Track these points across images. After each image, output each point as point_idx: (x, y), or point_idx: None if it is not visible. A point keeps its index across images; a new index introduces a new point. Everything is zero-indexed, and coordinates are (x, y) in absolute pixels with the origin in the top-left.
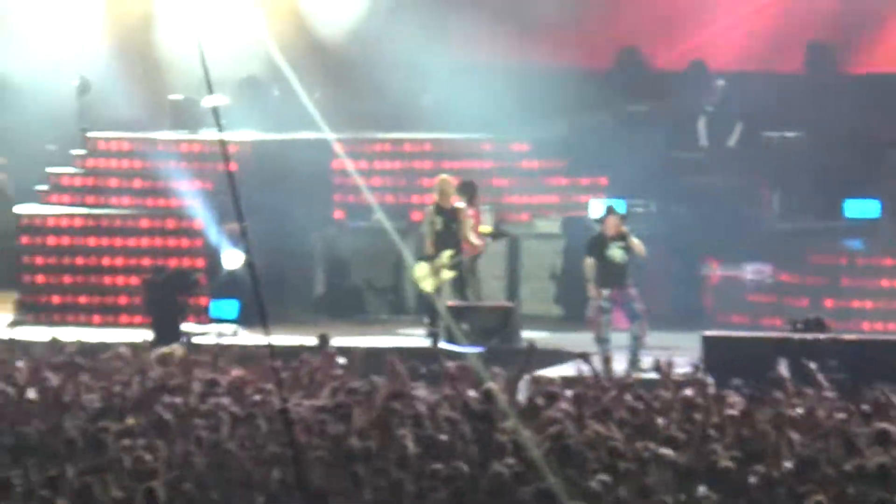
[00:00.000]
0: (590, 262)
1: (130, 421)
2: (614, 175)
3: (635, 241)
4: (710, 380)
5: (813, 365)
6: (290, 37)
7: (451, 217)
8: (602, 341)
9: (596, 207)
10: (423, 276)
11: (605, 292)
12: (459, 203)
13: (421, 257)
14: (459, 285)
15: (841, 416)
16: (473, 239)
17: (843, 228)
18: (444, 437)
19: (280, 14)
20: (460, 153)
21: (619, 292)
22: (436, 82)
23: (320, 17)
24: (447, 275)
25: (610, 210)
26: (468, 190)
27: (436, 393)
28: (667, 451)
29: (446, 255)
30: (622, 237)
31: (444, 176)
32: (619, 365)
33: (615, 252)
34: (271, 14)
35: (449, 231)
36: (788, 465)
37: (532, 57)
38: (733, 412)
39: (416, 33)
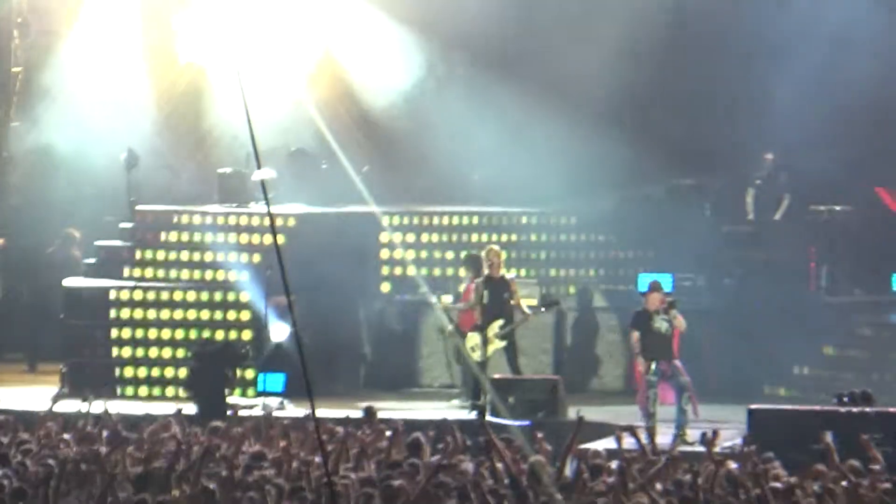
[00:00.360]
0: (636, 335)
1: (175, 493)
2: (661, 248)
3: (677, 316)
4: (762, 453)
5: (865, 435)
6: (338, 109)
7: (500, 287)
8: (649, 415)
9: (643, 281)
10: (472, 346)
11: (653, 366)
12: (509, 274)
13: (472, 328)
14: (511, 356)
15: (886, 486)
16: (523, 307)
17: (890, 302)
18: None
19: (328, 86)
20: (508, 226)
21: (667, 365)
22: (484, 156)
23: (368, 88)
24: (498, 345)
25: (653, 285)
26: (474, 263)
27: (481, 466)
28: None
29: (496, 325)
30: (666, 311)
31: (492, 247)
32: (666, 438)
33: (660, 325)
34: (320, 86)
35: (498, 302)
36: None
37: (579, 130)
38: (777, 485)
39: (464, 106)
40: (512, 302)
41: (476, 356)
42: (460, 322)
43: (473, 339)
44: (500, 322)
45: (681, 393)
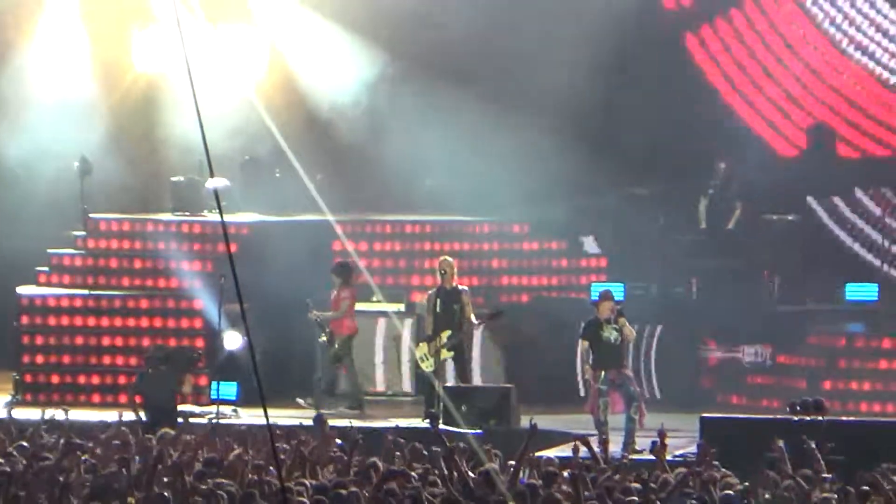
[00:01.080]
0: (584, 345)
1: (130, 500)
2: (614, 257)
3: (626, 325)
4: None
5: (812, 444)
6: (290, 116)
7: (451, 298)
8: (600, 424)
9: (596, 290)
10: (422, 356)
11: (602, 375)
12: (461, 286)
13: (421, 338)
14: (460, 366)
15: (833, 496)
16: (473, 319)
17: (843, 312)
18: None
19: (280, 93)
20: (460, 235)
21: (617, 374)
22: (437, 163)
23: (320, 95)
24: (446, 355)
25: (603, 294)
26: (343, 272)
27: (434, 474)
28: None
29: (445, 335)
30: (615, 319)
31: (445, 257)
32: (615, 447)
33: (609, 334)
34: (271, 93)
35: (449, 312)
36: None
37: (533, 138)
38: (729, 493)
39: (417, 114)
40: (463, 313)
41: (426, 366)
42: (336, 329)
43: (423, 348)
44: (448, 333)
45: (629, 402)
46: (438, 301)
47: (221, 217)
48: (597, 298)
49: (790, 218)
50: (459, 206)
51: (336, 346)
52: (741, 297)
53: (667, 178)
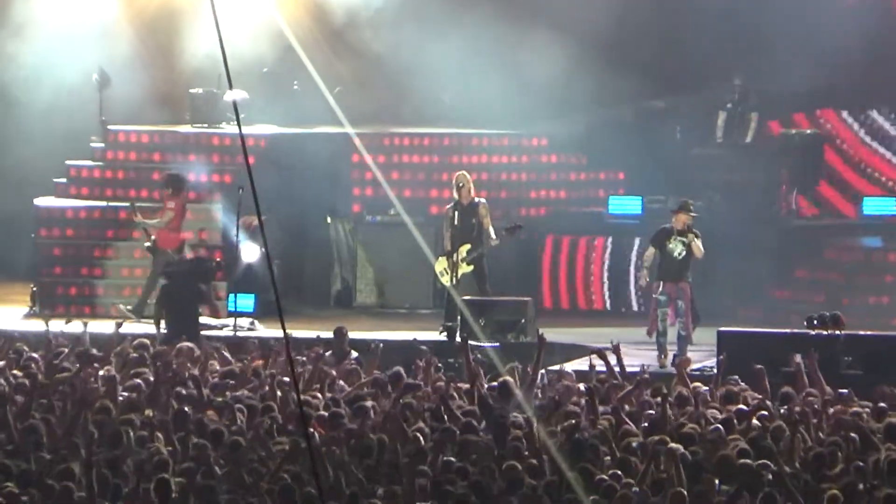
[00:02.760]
0: (649, 252)
1: (147, 412)
2: (632, 171)
3: (695, 241)
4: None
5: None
6: (310, 29)
7: (469, 212)
8: (658, 335)
9: (615, 203)
10: (441, 270)
11: (661, 286)
12: (479, 198)
13: (440, 252)
14: (479, 280)
15: (855, 410)
16: (491, 233)
17: (861, 226)
18: (459, 432)
19: (300, 4)
20: (478, 148)
21: (674, 287)
22: (456, 79)
23: (341, 6)
24: (465, 269)
25: (682, 204)
26: (174, 183)
27: (453, 387)
28: (678, 447)
29: (464, 249)
30: (684, 233)
31: (462, 172)
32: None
33: (674, 246)
34: (291, 5)
35: (467, 226)
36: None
37: (550, 52)
38: (743, 407)
39: (437, 27)
40: (481, 227)
41: (445, 280)
42: (160, 240)
43: (442, 263)
44: (468, 247)
45: (678, 318)
46: (456, 215)
47: (240, 129)
48: (675, 208)
49: (808, 132)
50: (478, 119)
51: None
52: (758, 211)
53: (684, 91)
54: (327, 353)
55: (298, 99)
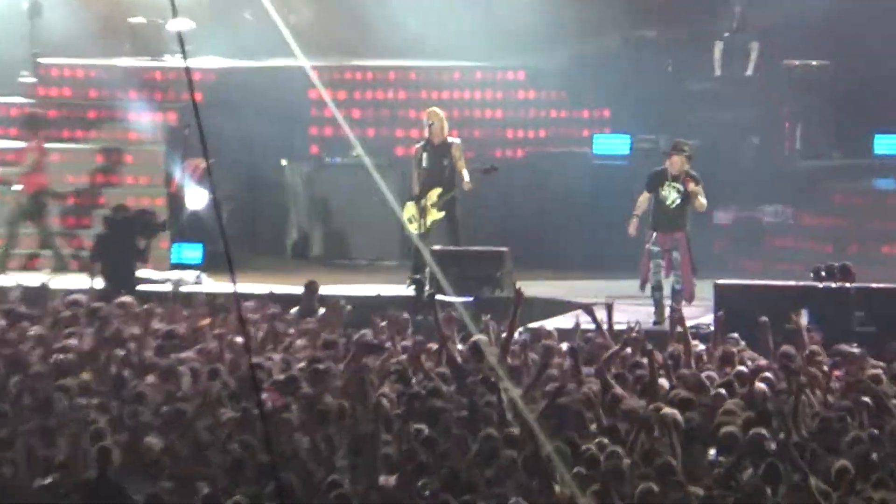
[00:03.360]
0: (642, 197)
1: (85, 375)
2: (619, 108)
3: (696, 191)
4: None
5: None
6: None
7: (440, 153)
8: (653, 289)
9: (600, 143)
10: (410, 217)
11: (654, 236)
12: (452, 138)
13: (408, 197)
14: (451, 228)
15: (870, 373)
16: (465, 176)
17: (872, 167)
18: (427, 396)
19: None
20: (449, 83)
21: (667, 238)
22: (423, 5)
23: None
24: (436, 216)
25: (675, 144)
26: (33, 124)
27: (422, 347)
28: (672, 412)
29: (434, 193)
30: (682, 179)
31: (433, 108)
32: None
33: (668, 193)
34: None
35: (438, 168)
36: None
37: None
38: (743, 369)
39: None
40: (454, 169)
41: (414, 228)
42: (26, 185)
43: (410, 209)
44: (439, 191)
45: (672, 269)
46: (426, 156)
47: (185, 62)
48: (669, 148)
49: (814, 63)
50: (448, 51)
51: (24, 203)
52: (760, 152)
53: (677, 19)
54: (292, 311)
55: (250, 29)
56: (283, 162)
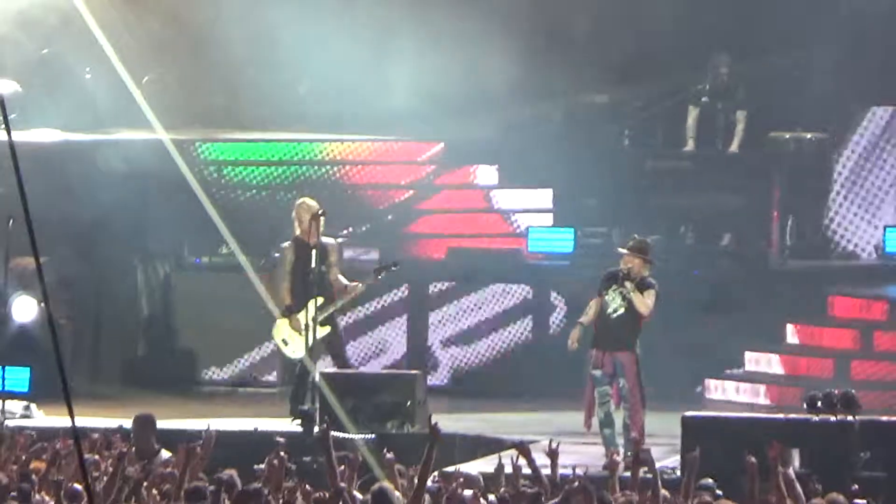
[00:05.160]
0: (593, 302)
1: None
2: (562, 191)
3: (637, 293)
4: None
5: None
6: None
7: (312, 256)
8: (600, 424)
9: (536, 237)
10: (283, 337)
11: (592, 356)
12: (327, 239)
13: (280, 311)
14: (333, 345)
15: None
16: (343, 281)
17: (881, 268)
18: None
19: None
20: (349, 159)
21: (605, 357)
22: (316, 65)
23: None
24: (321, 330)
25: (634, 244)
26: None
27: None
28: None
29: (313, 305)
30: (627, 281)
31: (304, 199)
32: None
33: (613, 300)
34: None
35: (308, 274)
36: None
37: (456, 29)
38: None
39: None
40: (331, 275)
41: (290, 351)
42: None
43: (281, 327)
44: (320, 300)
45: (621, 400)
46: (297, 259)
47: (9, 135)
48: (624, 247)
49: (808, 136)
50: (346, 120)
51: None
52: (739, 247)
53: (639, 79)
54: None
55: (92, 92)
56: (135, 261)
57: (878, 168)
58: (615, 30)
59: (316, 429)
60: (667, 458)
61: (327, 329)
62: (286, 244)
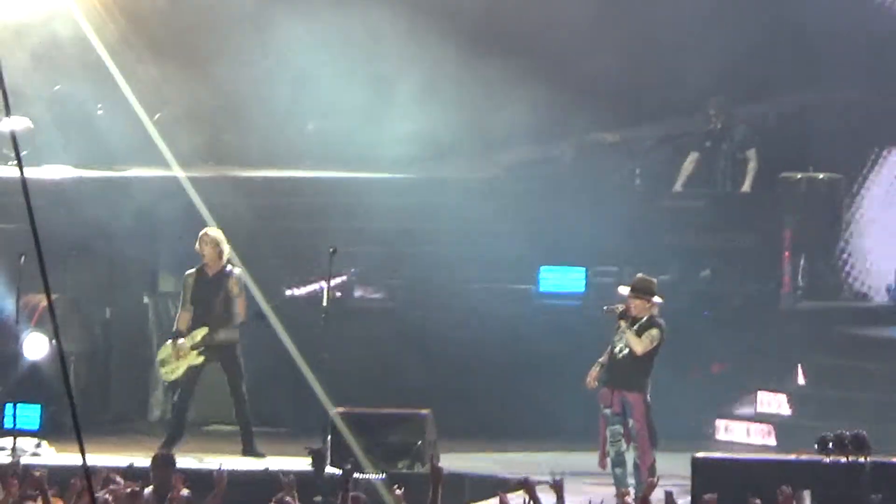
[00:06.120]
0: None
1: None
2: (573, 230)
3: (632, 332)
4: None
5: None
6: (120, 30)
7: (215, 286)
8: (612, 464)
9: (547, 277)
10: (162, 357)
11: (602, 396)
12: (232, 268)
13: (170, 334)
14: (231, 378)
15: None
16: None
17: (893, 309)
18: None
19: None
20: (353, 195)
21: (613, 396)
22: (324, 104)
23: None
24: (193, 360)
25: (636, 285)
26: None
27: None
28: None
29: (199, 334)
30: (629, 319)
31: (207, 230)
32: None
33: (617, 338)
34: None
35: (209, 302)
36: None
37: (465, 68)
38: None
39: (296, 35)
40: (228, 307)
41: (166, 373)
42: None
43: (166, 350)
44: (204, 331)
45: (631, 440)
46: (196, 288)
47: (21, 172)
48: (628, 288)
49: (820, 177)
50: (353, 158)
51: None
52: (751, 288)
53: (649, 119)
54: (147, 490)
55: (105, 128)
56: (145, 298)
57: (891, 208)
58: (626, 69)
59: (328, 468)
60: (679, 500)
61: (201, 360)
62: (190, 272)
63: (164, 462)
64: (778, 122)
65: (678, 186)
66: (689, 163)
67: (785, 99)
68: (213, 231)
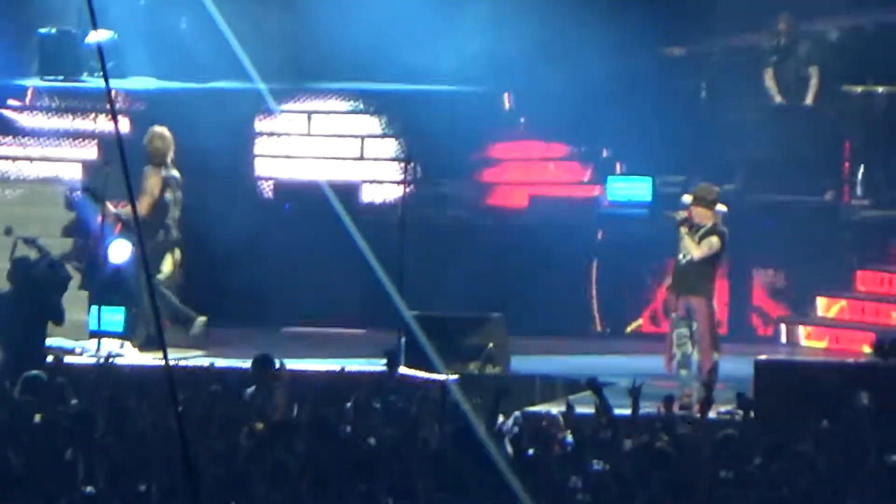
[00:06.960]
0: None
1: None
2: (636, 143)
3: (690, 238)
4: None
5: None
6: None
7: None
8: (678, 366)
9: (614, 187)
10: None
11: (671, 300)
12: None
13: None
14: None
15: None
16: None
17: None
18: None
19: None
20: (422, 108)
21: (679, 301)
22: (398, 23)
23: None
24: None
25: (698, 193)
26: None
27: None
28: None
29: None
30: (690, 226)
31: (155, 128)
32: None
33: (681, 245)
34: None
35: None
36: None
37: None
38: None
39: None
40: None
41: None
42: None
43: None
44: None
45: (695, 343)
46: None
47: (107, 83)
48: (689, 197)
49: (880, 90)
50: (424, 73)
51: None
52: (810, 198)
53: (714, 33)
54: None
55: (188, 42)
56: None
57: None
58: None
59: (401, 369)
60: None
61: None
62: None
63: (263, 363)
64: (839, 38)
65: (778, 97)
66: (769, 79)
67: (846, 17)
68: (160, 128)
